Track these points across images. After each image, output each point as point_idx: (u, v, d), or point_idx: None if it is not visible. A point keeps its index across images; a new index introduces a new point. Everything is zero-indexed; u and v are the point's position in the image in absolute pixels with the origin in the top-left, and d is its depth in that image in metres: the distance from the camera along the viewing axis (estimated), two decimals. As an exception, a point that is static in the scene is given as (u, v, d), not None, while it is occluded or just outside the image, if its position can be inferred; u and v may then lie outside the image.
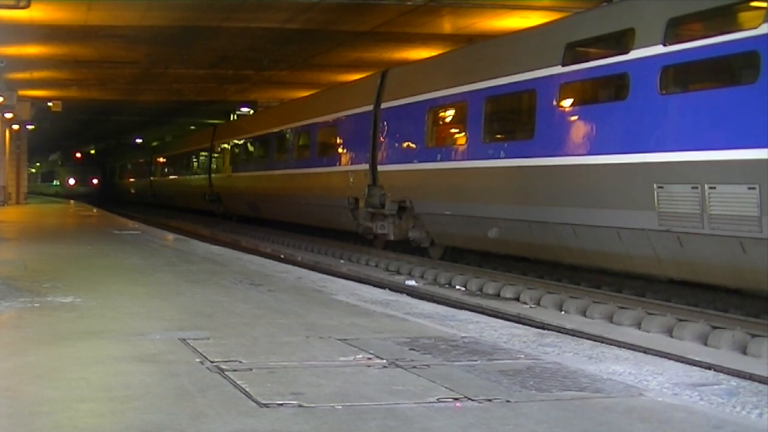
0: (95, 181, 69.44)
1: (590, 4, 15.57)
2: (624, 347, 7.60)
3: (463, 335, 6.75)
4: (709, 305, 12.02)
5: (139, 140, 64.85)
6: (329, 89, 28.08)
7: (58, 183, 71.91)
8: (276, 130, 27.73)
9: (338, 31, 23.55)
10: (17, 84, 33.27)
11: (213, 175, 35.93)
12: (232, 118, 43.65)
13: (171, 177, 45.31)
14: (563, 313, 12.49)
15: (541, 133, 13.53)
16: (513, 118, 15.80)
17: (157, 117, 50.73)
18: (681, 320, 10.77)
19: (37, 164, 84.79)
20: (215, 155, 35.95)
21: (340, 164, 21.58)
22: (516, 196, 14.41)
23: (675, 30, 11.11)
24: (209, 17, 22.26)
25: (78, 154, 71.77)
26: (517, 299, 13.76)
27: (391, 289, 12.52)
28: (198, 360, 5.56)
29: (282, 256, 20.41)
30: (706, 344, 10.05)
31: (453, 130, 17.16)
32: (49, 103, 37.00)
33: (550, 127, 13.34)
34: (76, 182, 68.64)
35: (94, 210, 36.83)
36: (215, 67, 30.55)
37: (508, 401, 4.59)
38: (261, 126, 30.31)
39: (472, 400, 4.60)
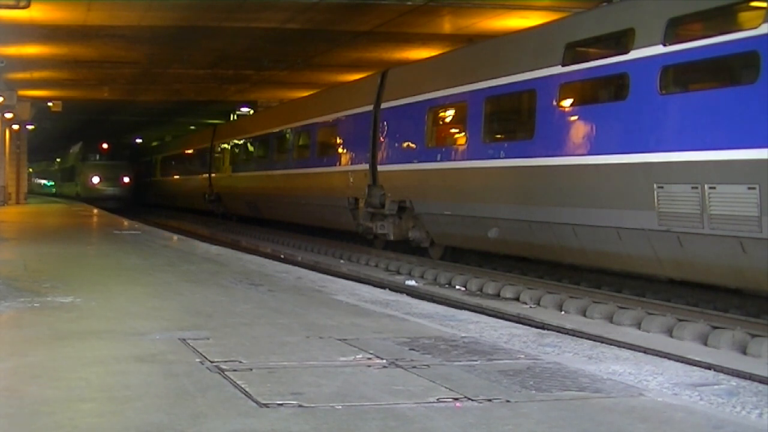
0: (126, 179, 52.24)
1: (590, 4, 15.56)
2: (624, 347, 7.60)
3: (463, 335, 6.75)
4: (709, 305, 12.01)
5: (139, 140, 64.68)
6: (329, 89, 28.09)
7: (78, 183, 54.94)
8: (276, 130, 27.74)
9: (338, 31, 23.55)
10: (17, 84, 33.27)
11: (213, 175, 35.94)
12: (232, 118, 43.63)
13: (173, 177, 45.21)
14: (563, 313, 12.49)
15: (541, 133, 13.53)
16: (513, 118, 15.80)
17: (157, 117, 50.69)
18: (681, 320, 10.77)
19: (57, 160, 69.49)
20: (215, 155, 35.96)
21: (340, 164, 21.58)
22: (516, 196, 14.41)
23: (675, 30, 11.11)
24: (209, 17, 22.27)
25: (104, 145, 54.22)
26: (517, 299, 13.75)
27: (391, 289, 12.51)
28: (198, 360, 5.56)
29: (282, 256, 20.41)
30: (706, 344, 10.05)
31: (453, 130, 17.16)
32: (49, 103, 37.00)
33: (550, 127, 13.34)
34: (100, 181, 51.86)
35: (95, 210, 36.79)
36: (215, 67, 30.55)
37: (508, 401, 4.59)
38: (261, 126, 30.32)
39: (472, 400, 4.60)
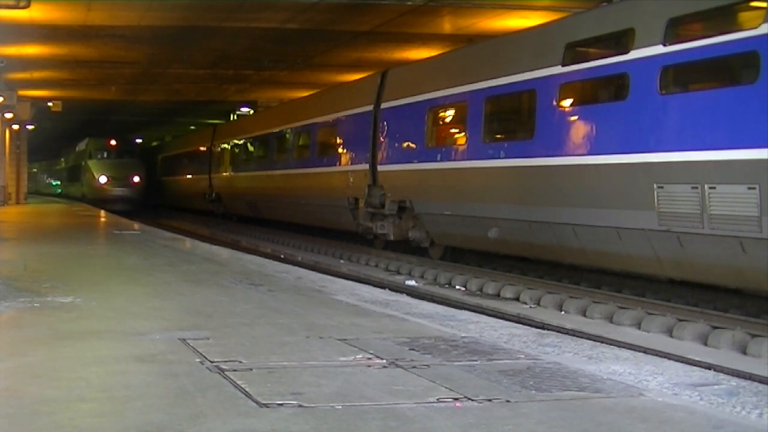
0: (136, 179, 47.29)
1: (590, 4, 15.56)
2: (624, 347, 7.60)
3: (463, 335, 6.75)
4: (709, 305, 12.01)
5: (138, 140, 64.51)
6: (329, 89, 28.10)
7: (84, 183, 50.03)
8: (276, 130, 27.74)
9: (338, 31, 23.56)
10: (17, 84, 33.27)
11: (213, 175, 35.93)
12: (232, 118, 43.63)
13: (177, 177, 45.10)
14: (563, 313, 12.49)
15: (541, 133, 13.53)
16: (513, 118, 15.80)
17: (157, 117, 50.66)
18: (681, 320, 10.77)
19: (62, 159, 65.46)
20: (215, 155, 35.96)
21: (340, 164, 21.58)
22: (516, 196, 14.41)
23: (675, 30, 11.11)
24: (209, 17, 22.27)
25: (113, 141, 49.04)
26: (517, 299, 13.75)
27: (391, 289, 12.51)
28: (198, 360, 5.56)
29: (282, 256, 20.42)
30: (706, 344, 10.05)
31: (453, 130, 17.16)
32: (49, 103, 37.00)
33: (550, 127, 13.34)
34: (108, 181, 46.75)
35: (95, 211, 36.77)
36: (215, 67, 30.56)
37: (508, 401, 4.59)
38: (261, 126, 30.32)
39: (472, 400, 4.60)
